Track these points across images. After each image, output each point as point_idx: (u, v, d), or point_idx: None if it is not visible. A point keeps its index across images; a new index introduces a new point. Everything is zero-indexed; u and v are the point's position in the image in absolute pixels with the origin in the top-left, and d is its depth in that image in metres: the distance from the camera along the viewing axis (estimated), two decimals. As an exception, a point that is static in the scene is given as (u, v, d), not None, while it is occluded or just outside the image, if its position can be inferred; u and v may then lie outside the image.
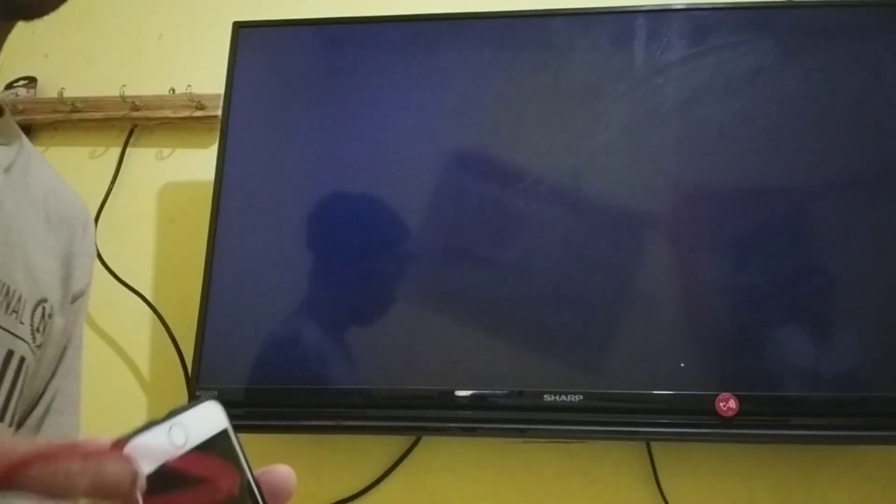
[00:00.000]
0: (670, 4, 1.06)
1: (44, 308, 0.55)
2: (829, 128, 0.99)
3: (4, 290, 0.50)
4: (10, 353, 0.50)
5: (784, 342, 0.94)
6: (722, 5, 1.04)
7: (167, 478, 0.28)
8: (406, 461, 1.07)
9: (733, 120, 1.00)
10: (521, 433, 0.99)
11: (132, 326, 1.17)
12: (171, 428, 0.30)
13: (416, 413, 0.96)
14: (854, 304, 0.94)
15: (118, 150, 1.25)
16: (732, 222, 0.99)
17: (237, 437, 0.32)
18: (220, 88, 1.12)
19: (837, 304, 0.95)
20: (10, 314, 0.50)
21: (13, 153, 0.55)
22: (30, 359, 0.53)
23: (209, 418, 0.31)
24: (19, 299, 0.51)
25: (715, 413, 0.89)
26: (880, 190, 0.97)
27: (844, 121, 0.99)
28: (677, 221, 1.00)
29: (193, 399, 0.29)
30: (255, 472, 0.32)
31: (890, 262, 0.94)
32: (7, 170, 0.53)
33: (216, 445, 0.31)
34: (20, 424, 0.57)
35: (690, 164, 1.01)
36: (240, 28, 1.12)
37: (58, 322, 0.58)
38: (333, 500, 1.05)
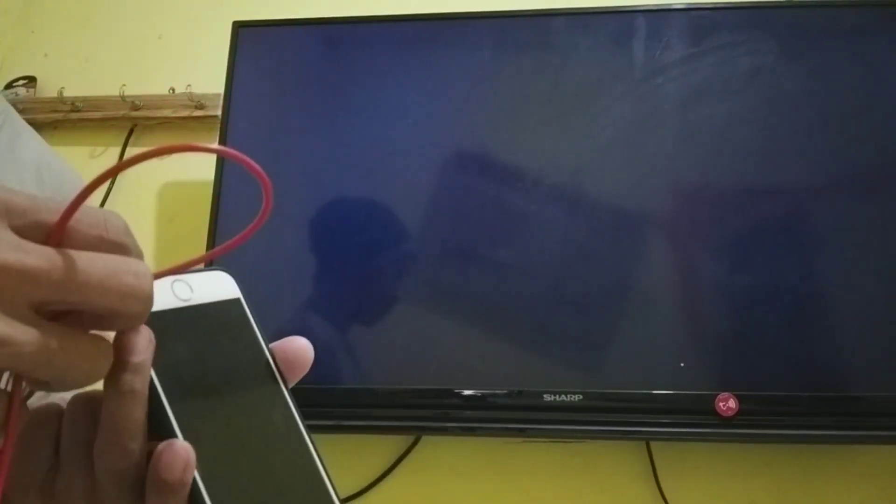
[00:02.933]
0: (670, 4, 1.06)
1: None
2: (828, 128, 0.99)
3: None
4: None
5: (784, 342, 0.94)
6: (722, 5, 1.04)
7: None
8: (406, 461, 1.07)
9: (733, 120, 1.00)
10: (520, 433, 0.99)
11: (132, 326, 1.17)
12: (173, 282, 0.30)
13: (416, 413, 0.96)
14: (854, 304, 0.94)
15: (118, 150, 1.25)
16: (732, 222, 0.99)
17: (251, 309, 0.32)
18: (219, 88, 1.12)
19: (837, 304, 0.95)
20: None
21: None
22: None
23: (219, 284, 0.31)
24: None
25: (715, 413, 0.89)
26: (880, 190, 0.97)
27: (844, 121, 0.99)
28: (677, 221, 1.00)
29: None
30: (270, 345, 0.33)
31: (890, 262, 0.94)
32: None
33: (227, 311, 0.30)
34: None
35: (690, 164, 1.01)
36: (239, 28, 1.12)
37: None
38: (333, 500, 1.05)
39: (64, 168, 0.63)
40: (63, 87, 1.26)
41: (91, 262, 0.25)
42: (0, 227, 0.24)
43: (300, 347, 0.33)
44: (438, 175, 1.04)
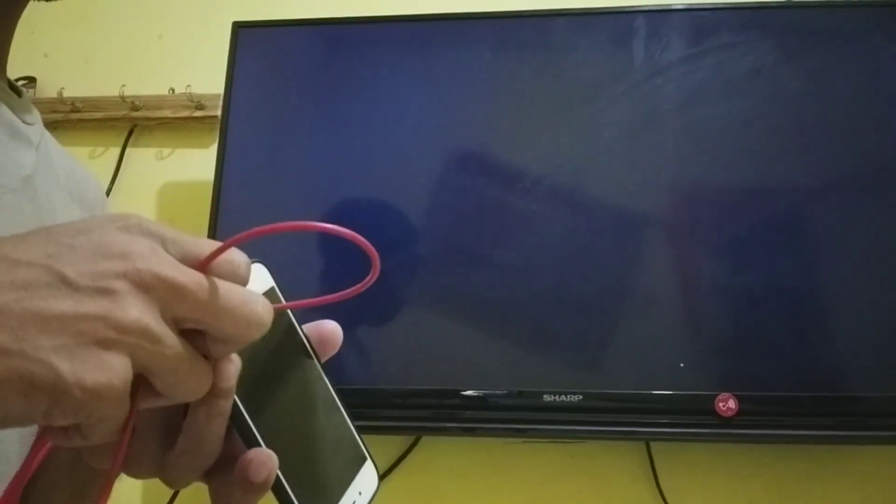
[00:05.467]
0: (670, 4, 1.06)
1: None
2: (828, 128, 0.99)
3: None
4: None
5: (783, 342, 0.94)
6: (722, 5, 1.04)
7: None
8: (406, 461, 1.07)
9: (733, 120, 1.00)
10: (520, 433, 0.99)
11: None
12: None
13: (416, 413, 0.96)
14: (854, 304, 0.94)
15: (118, 150, 1.25)
16: (732, 222, 0.99)
17: (283, 295, 0.37)
18: (219, 88, 1.12)
19: (837, 304, 0.95)
20: None
21: (39, 133, 0.55)
22: None
23: (256, 276, 0.35)
24: None
25: (714, 413, 0.90)
26: (880, 190, 0.97)
27: (844, 121, 0.99)
28: (677, 221, 1.00)
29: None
30: (303, 326, 0.38)
31: (890, 262, 0.94)
32: (37, 149, 0.53)
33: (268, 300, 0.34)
34: None
35: (690, 165, 1.01)
36: (239, 28, 1.12)
37: None
38: (333, 500, 1.05)
39: (86, 175, 0.64)
40: (63, 88, 1.25)
41: (229, 290, 0.30)
42: (159, 247, 0.29)
43: (331, 330, 0.40)
44: (438, 175, 1.04)
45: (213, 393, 0.31)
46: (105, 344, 0.26)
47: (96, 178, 0.67)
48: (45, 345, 0.25)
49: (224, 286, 0.30)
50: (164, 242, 0.29)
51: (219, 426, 0.31)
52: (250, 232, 0.31)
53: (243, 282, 0.31)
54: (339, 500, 0.36)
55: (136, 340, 0.27)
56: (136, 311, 0.27)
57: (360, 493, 0.38)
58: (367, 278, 0.35)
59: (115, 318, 0.26)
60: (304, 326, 0.38)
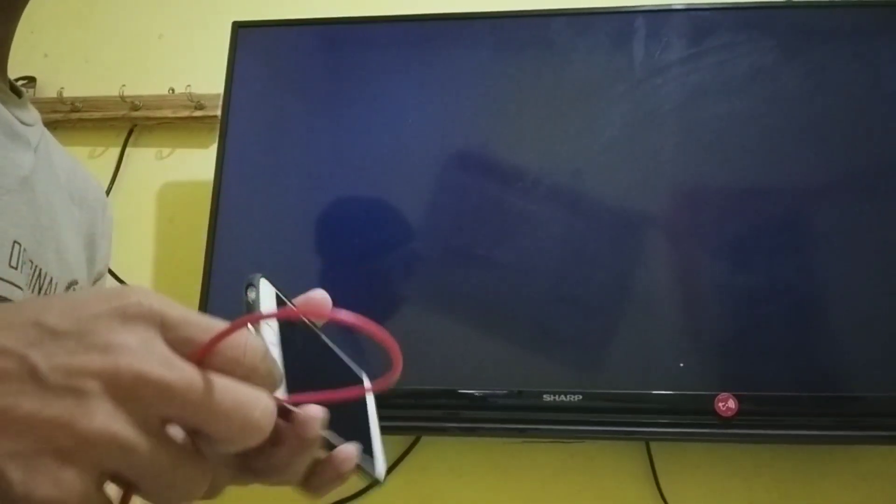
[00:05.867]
0: (670, 4, 1.06)
1: (74, 290, 0.54)
2: (828, 128, 0.99)
3: (37, 273, 0.49)
4: None
5: (783, 342, 0.94)
6: (722, 5, 1.04)
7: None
8: (405, 461, 1.07)
9: (733, 120, 1.00)
10: (520, 433, 0.99)
11: (132, 326, 1.17)
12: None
13: (416, 413, 0.96)
14: (854, 304, 0.94)
15: (117, 150, 1.25)
16: (732, 222, 0.99)
17: (274, 285, 0.38)
18: (219, 88, 1.12)
19: (837, 304, 0.95)
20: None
21: (38, 134, 0.55)
22: None
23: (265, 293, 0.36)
24: (51, 282, 0.51)
25: (714, 413, 0.89)
26: (880, 190, 0.97)
27: (844, 121, 0.99)
28: (677, 221, 1.00)
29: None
30: (294, 300, 0.40)
31: (890, 262, 0.94)
32: (36, 150, 0.53)
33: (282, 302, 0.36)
34: None
35: (690, 164, 1.01)
36: (239, 28, 1.12)
37: None
38: (333, 501, 1.05)
39: (87, 177, 0.64)
40: (63, 88, 1.25)
41: (224, 391, 0.27)
42: (154, 337, 0.27)
43: (321, 297, 0.41)
44: (438, 175, 1.04)
45: (302, 446, 0.31)
46: (63, 455, 0.24)
47: (97, 180, 0.67)
48: (2, 449, 0.24)
49: (220, 385, 0.27)
50: (163, 327, 0.27)
51: (305, 465, 0.32)
52: (260, 315, 0.29)
53: (249, 370, 0.29)
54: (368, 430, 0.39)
55: (101, 450, 0.25)
56: (103, 417, 0.25)
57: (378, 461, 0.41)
58: (389, 374, 0.33)
59: (78, 426, 0.25)
60: (295, 300, 0.40)
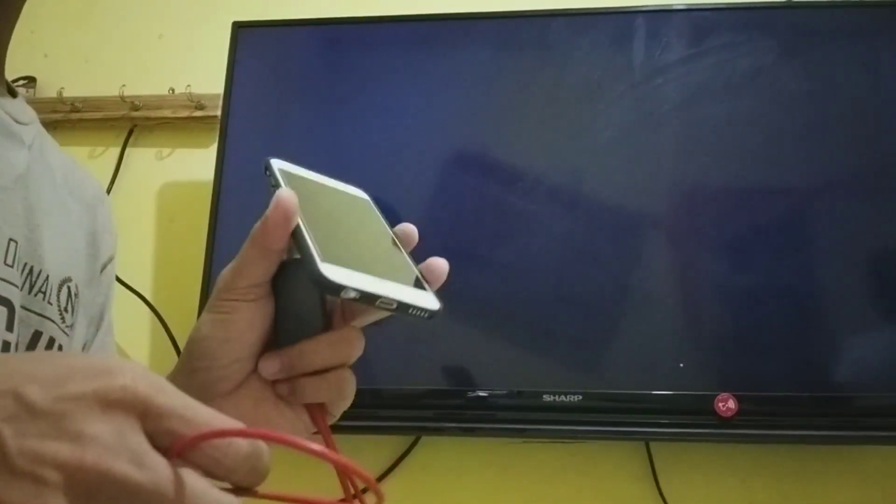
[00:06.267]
0: (670, 4, 1.06)
1: (69, 287, 0.54)
2: (828, 128, 0.99)
3: (28, 271, 0.49)
4: (37, 335, 0.50)
5: (783, 342, 0.94)
6: (722, 5, 1.04)
7: None
8: (405, 461, 1.07)
9: (733, 120, 1.00)
10: (520, 433, 0.99)
11: (131, 326, 1.17)
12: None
13: (416, 413, 0.96)
14: (854, 305, 0.94)
15: (117, 150, 1.25)
16: (732, 222, 0.99)
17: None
18: (219, 88, 1.12)
19: (837, 305, 0.95)
20: (36, 295, 0.50)
21: (33, 132, 0.55)
22: (61, 339, 0.52)
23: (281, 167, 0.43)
24: (46, 279, 0.51)
25: (714, 413, 0.89)
26: (880, 190, 0.97)
27: (844, 121, 0.99)
28: (677, 221, 1.00)
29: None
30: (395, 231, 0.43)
31: (890, 263, 0.94)
32: (30, 148, 0.54)
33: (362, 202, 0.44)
34: None
35: (690, 164, 1.01)
36: (239, 28, 1.12)
37: (85, 296, 0.57)
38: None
39: (86, 175, 0.64)
40: (63, 88, 1.25)
41: (192, 497, 0.26)
42: (131, 428, 0.26)
43: (441, 265, 0.44)
44: (438, 175, 1.04)
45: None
46: None
47: (96, 179, 0.67)
48: None
49: (190, 489, 0.26)
50: (145, 416, 0.27)
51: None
52: (249, 431, 0.28)
53: (229, 470, 0.28)
54: (370, 274, 0.36)
55: None
56: None
57: (410, 295, 0.38)
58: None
59: None
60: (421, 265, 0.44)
